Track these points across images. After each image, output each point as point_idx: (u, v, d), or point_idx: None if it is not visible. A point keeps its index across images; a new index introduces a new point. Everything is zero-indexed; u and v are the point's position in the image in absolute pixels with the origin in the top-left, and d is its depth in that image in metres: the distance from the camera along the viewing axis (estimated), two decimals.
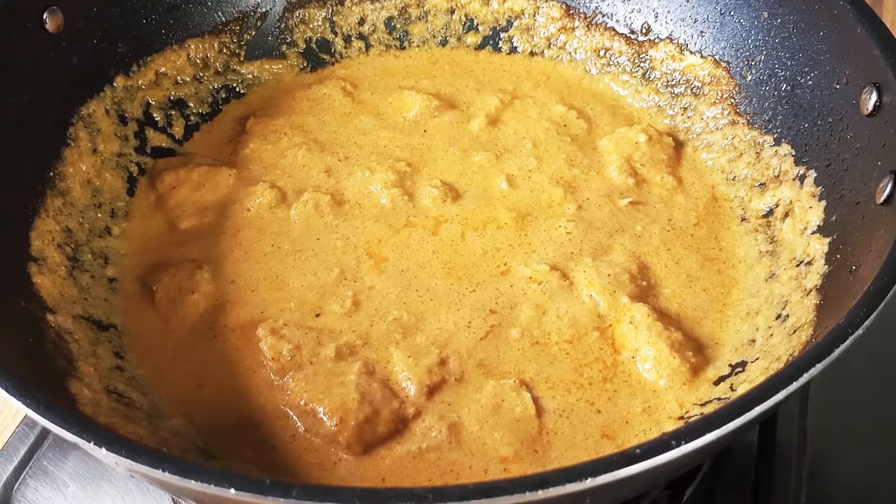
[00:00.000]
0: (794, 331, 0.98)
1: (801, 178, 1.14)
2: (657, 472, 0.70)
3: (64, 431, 0.72)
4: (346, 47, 1.47)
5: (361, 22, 1.48)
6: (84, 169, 1.18)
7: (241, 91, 1.40)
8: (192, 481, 0.68)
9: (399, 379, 1.02)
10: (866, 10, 1.06)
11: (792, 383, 0.74)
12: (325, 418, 0.97)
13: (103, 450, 0.70)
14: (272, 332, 1.05)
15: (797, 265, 1.08)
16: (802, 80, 1.17)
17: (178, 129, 1.33)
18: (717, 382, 1.03)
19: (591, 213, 1.21)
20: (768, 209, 1.19)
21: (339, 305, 1.09)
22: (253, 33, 1.42)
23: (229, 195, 1.23)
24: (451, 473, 0.95)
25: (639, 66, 1.40)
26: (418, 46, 1.49)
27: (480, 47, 1.49)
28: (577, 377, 1.03)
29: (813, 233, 1.08)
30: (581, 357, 1.05)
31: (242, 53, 1.41)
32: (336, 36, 1.47)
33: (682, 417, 1.00)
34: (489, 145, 1.31)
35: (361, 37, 1.48)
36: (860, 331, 0.78)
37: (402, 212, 1.21)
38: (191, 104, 1.35)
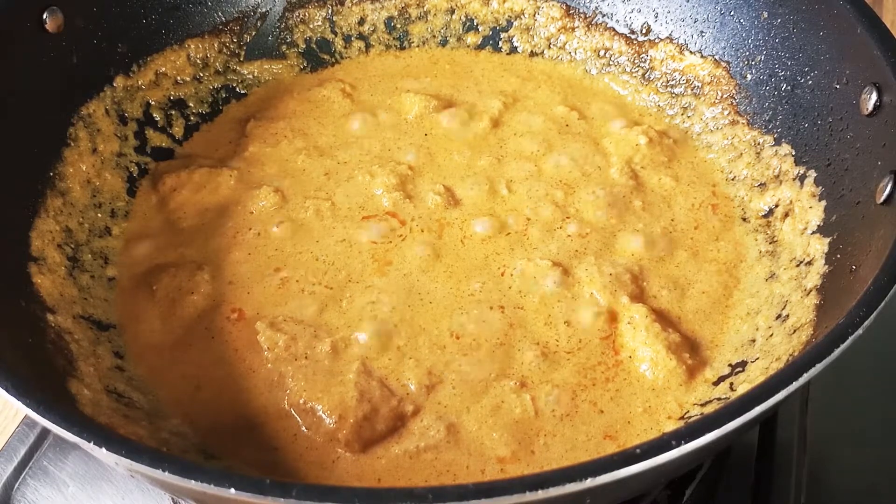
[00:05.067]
0: (794, 331, 0.98)
1: (802, 178, 1.14)
2: (657, 472, 0.70)
3: (64, 431, 0.72)
4: (346, 47, 1.47)
5: (361, 22, 1.48)
6: (84, 169, 1.18)
7: (242, 91, 1.40)
8: (192, 481, 0.68)
9: (399, 378, 1.02)
10: (866, 10, 1.06)
11: (792, 383, 0.74)
12: (324, 416, 0.97)
13: (103, 450, 0.71)
14: (270, 325, 1.06)
15: (797, 265, 1.08)
16: (802, 80, 1.17)
17: (178, 129, 1.33)
18: (716, 382, 1.02)
19: (592, 214, 1.21)
20: (768, 209, 1.19)
21: (339, 306, 1.09)
22: (253, 33, 1.42)
23: (230, 197, 1.23)
24: (447, 474, 0.95)
25: (639, 66, 1.40)
26: (418, 46, 1.49)
27: (480, 47, 1.49)
28: (581, 378, 1.03)
29: (813, 233, 1.08)
30: (584, 360, 1.05)
31: (242, 53, 1.41)
32: (336, 36, 1.47)
33: (682, 417, 1.00)
34: (490, 147, 1.31)
35: (361, 37, 1.48)
36: (860, 331, 0.77)
37: (405, 215, 1.21)
38: (191, 104, 1.35)
